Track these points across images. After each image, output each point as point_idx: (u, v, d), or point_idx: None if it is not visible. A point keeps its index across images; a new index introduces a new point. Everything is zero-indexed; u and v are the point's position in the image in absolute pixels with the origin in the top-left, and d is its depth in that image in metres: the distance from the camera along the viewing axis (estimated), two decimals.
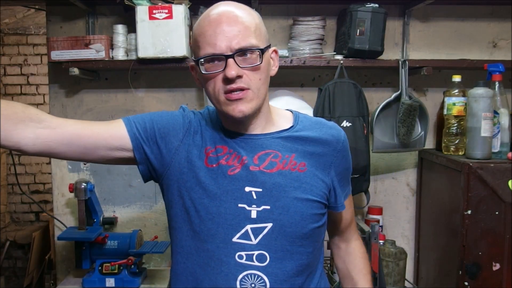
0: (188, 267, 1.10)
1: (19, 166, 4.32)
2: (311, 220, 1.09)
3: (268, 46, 1.09)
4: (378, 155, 2.30)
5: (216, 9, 1.06)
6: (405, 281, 2.14)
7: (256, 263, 1.05)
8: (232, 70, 1.01)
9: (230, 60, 1.01)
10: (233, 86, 1.02)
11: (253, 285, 1.04)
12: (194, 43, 1.08)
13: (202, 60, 1.04)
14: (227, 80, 1.02)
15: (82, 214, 2.09)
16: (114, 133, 1.10)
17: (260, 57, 1.04)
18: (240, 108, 1.03)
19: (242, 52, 1.02)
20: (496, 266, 1.81)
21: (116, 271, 2.06)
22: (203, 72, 1.05)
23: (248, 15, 1.05)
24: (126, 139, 1.10)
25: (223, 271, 1.05)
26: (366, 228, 1.97)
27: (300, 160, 1.11)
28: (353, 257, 1.30)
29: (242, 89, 1.03)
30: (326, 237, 1.27)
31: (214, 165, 1.09)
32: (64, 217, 2.34)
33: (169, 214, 1.15)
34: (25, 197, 4.22)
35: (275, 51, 1.14)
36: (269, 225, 1.06)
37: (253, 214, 1.06)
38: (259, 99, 1.07)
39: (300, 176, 1.10)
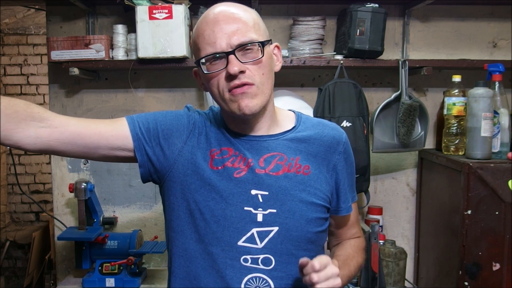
0: (192, 270, 1.09)
1: (19, 166, 4.32)
2: (316, 224, 1.09)
3: (269, 41, 1.07)
4: (378, 155, 2.30)
5: (213, 10, 1.05)
6: (405, 281, 2.14)
7: (262, 267, 1.04)
8: (235, 66, 0.99)
9: (231, 57, 1.00)
10: (237, 82, 1.01)
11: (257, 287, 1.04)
12: (194, 46, 1.07)
13: (203, 60, 1.03)
14: (231, 77, 1.01)
15: (82, 214, 2.09)
16: (116, 133, 1.08)
17: (261, 51, 1.03)
18: (246, 103, 1.01)
19: (243, 47, 1.01)
20: (496, 266, 1.81)
21: (116, 271, 2.06)
22: (205, 72, 1.03)
23: (244, 12, 1.05)
24: (128, 139, 1.08)
25: (228, 274, 1.04)
26: (366, 228, 1.97)
27: (305, 163, 1.10)
28: (346, 243, 1.24)
29: (246, 84, 1.01)
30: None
31: (220, 168, 1.07)
32: (64, 217, 2.34)
33: (170, 216, 1.13)
34: (25, 197, 4.22)
35: (277, 47, 1.13)
36: (275, 228, 1.05)
37: (259, 218, 1.05)
38: (264, 95, 1.05)
39: (305, 179, 1.09)
